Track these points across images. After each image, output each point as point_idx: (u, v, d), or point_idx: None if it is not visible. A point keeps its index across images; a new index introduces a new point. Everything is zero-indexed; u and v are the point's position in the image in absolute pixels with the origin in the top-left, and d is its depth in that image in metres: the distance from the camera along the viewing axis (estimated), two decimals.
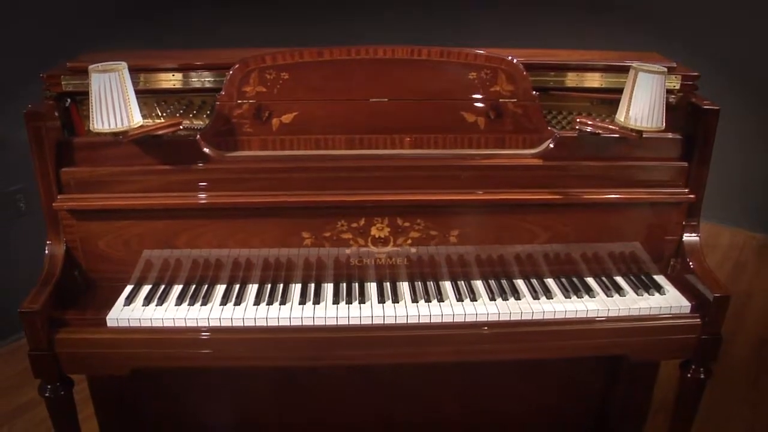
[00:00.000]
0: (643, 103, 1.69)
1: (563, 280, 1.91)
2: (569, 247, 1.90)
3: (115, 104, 1.62)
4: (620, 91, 1.77)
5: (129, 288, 1.84)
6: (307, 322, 1.74)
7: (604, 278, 1.92)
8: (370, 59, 1.82)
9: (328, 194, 1.79)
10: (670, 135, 1.86)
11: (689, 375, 1.85)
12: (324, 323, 1.74)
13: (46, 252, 1.80)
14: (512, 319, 1.76)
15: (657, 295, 1.85)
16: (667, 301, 1.81)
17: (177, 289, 1.84)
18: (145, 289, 1.83)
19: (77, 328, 1.71)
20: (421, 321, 1.75)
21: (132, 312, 1.74)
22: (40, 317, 1.65)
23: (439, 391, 2.22)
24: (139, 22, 3.30)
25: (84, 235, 1.80)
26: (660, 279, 1.92)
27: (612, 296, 1.84)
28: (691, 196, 1.85)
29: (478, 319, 1.76)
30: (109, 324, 1.71)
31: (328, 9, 4.24)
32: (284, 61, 1.81)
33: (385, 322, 1.75)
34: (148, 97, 1.93)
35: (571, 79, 1.96)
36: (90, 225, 1.79)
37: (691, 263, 1.87)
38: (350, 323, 1.74)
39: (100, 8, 3.10)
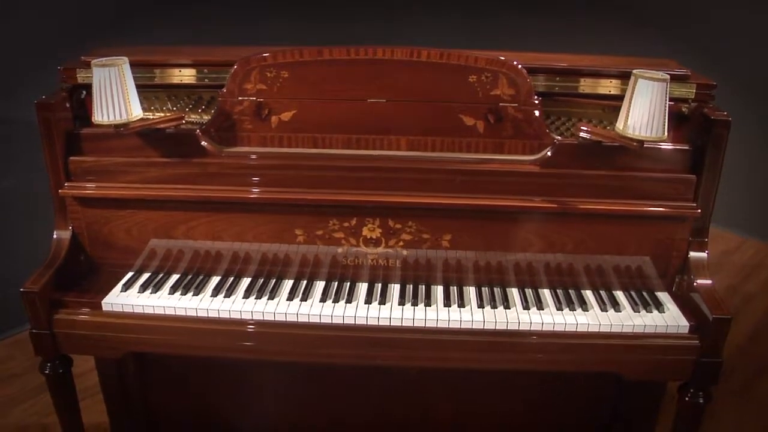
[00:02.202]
0: (642, 111, 1.62)
1: (559, 291, 1.85)
2: (566, 258, 1.84)
3: (114, 97, 1.68)
4: None
5: (129, 275, 1.91)
6: (291, 318, 1.76)
7: (602, 292, 1.85)
8: (370, 59, 1.82)
9: (319, 193, 1.80)
10: (676, 146, 1.78)
11: (687, 398, 1.76)
12: (308, 320, 1.76)
13: (54, 236, 1.89)
14: (497, 328, 1.73)
15: (655, 312, 1.77)
16: (665, 319, 1.73)
17: (173, 278, 1.89)
18: (144, 276, 1.90)
19: (75, 310, 1.79)
20: (404, 324, 1.75)
21: (127, 298, 1.81)
22: (39, 297, 1.74)
23: (436, 395, 2.19)
24: (171, 17, 3.41)
25: (89, 222, 1.88)
26: (663, 296, 1.84)
27: (606, 311, 1.77)
28: (697, 210, 1.76)
29: (462, 326, 1.74)
30: (104, 308, 1.79)
31: (369, 9, 4.27)
32: (284, 59, 1.83)
33: (368, 323, 1.75)
34: (160, 92, 2.00)
35: (579, 85, 1.90)
36: (94, 212, 1.87)
37: (695, 281, 1.78)
38: (333, 322, 1.75)
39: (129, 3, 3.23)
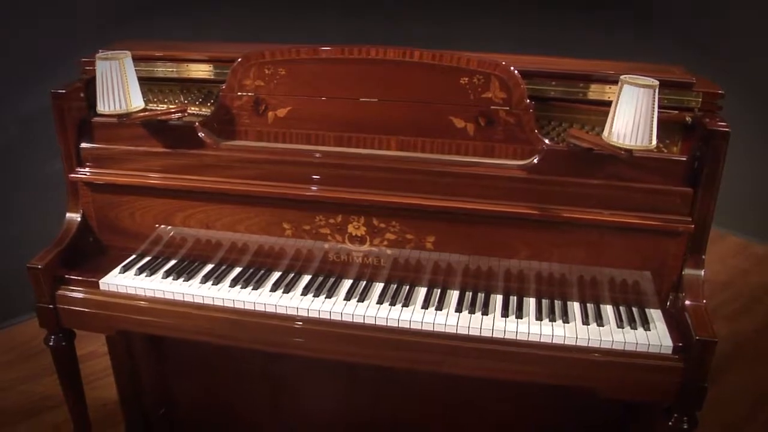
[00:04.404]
0: (627, 118, 1.56)
1: (545, 301, 1.81)
2: (553, 267, 1.79)
3: (115, 89, 1.78)
4: None
5: (131, 258, 2.01)
6: (270, 309, 1.80)
7: (590, 305, 1.79)
8: (363, 59, 1.83)
9: (306, 188, 1.83)
10: (671, 156, 1.69)
11: (671, 423, 1.67)
12: (285, 312, 1.79)
13: (66, 218, 2.01)
14: (470, 333, 1.70)
15: (640, 329, 1.69)
16: (647, 338, 1.65)
17: (170, 264, 1.98)
18: (144, 260, 1.99)
19: (75, 288, 1.91)
20: (377, 323, 1.75)
21: (123, 279, 1.90)
22: (43, 273, 1.86)
23: (428, 398, 2.18)
24: (219, 13, 3.54)
25: (97, 206, 2.00)
26: (654, 313, 1.76)
27: (588, 325, 1.71)
28: (691, 225, 1.67)
29: (435, 329, 1.72)
30: (101, 287, 1.89)
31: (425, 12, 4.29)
32: (282, 57, 1.87)
33: (343, 319, 1.77)
34: (174, 85, 2.09)
35: (579, 90, 1.84)
36: (102, 197, 1.99)
37: (687, 300, 1.68)
38: (309, 315, 1.78)
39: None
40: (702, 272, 1.72)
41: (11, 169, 3.08)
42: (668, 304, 1.77)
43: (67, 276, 1.91)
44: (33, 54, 2.95)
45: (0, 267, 2.96)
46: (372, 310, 1.76)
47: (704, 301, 1.68)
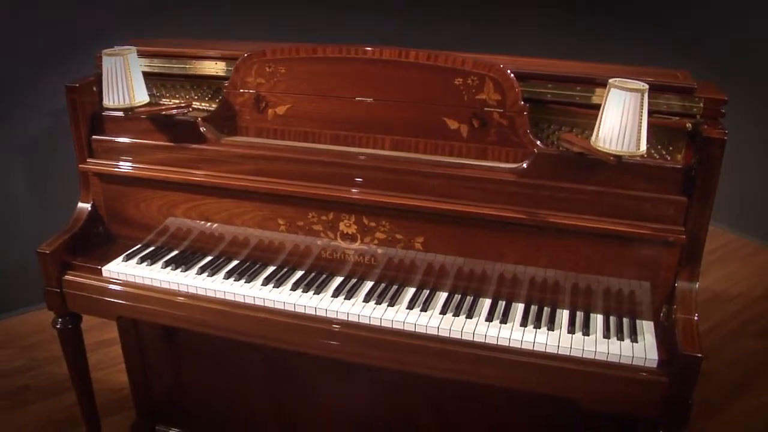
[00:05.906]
0: (614, 122, 1.51)
1: (533, 307, 1.78)
2: (541, 273, 1.76)
3: (120, 83, 1.85)
4: None
5: (136, 247, 2.08)
6: (259, 303, 1.83)
7: (579, 313, 1.75)
8: (359, 59, 1.85)
9: (297, 185, 1.86)
10: (665, 164, 1.64)
11: None
12: (273, 306, 1.82)
13: (77, 206, 2.10)
14: (451, 336, 1.69)
15: (627, 341, 1.64)
16: (632, 350, 1.60)
17: (171, 254, 2.04)
18: (147, 250, 2.06)
19: (80, 273, 1.99)
20: (360, 321, 1.76)
21: (125, 267, 1.97)
22: (50, 258, 1.95)
23: (431, 397, 2.16)
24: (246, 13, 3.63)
25: (106, 196, 2.08)
26: (646, 325, 1.70)
27: (573, 333, 1.67)
28: (682, 236, 1.60)
29: (416, 330, 1.72)
30: (103, 274, 1.97)
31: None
32: (282, 56, 1.91)
33: (327, 316, 1.78)
34: (184, 81, 2.16)
35: (578, 94, 1.80)
36: (110, 187, 2.07)
37: (678, 313, 1.62)
38: (295, 310, 1.81)
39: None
40: (696, 285, 1.65)
41: (10, 166, 3.19)
42: (661, 316, 1.71)
43: (73, 262, 2.00)
44: (57, 48, 3.07)
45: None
46: (356, 308, 1.77)
47: (696, 315, 1.61)
